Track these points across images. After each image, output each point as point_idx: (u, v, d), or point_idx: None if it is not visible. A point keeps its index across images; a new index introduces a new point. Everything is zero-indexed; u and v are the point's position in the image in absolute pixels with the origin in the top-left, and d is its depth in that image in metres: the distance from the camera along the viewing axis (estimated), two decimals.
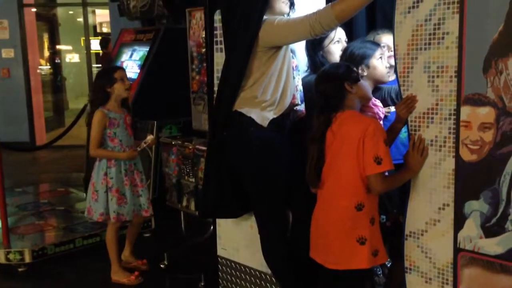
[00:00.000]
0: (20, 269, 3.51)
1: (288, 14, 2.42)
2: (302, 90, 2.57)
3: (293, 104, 2.49)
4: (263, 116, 2.34)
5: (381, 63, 2.42)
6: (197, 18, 4.03)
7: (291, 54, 2.45)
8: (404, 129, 2.22)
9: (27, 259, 3.51)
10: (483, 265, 1.91)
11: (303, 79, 2.61)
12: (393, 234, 2.29)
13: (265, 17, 2.31)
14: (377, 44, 2.47)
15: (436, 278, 2.06)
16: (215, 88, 2.79)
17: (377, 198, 2.11)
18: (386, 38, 2.63)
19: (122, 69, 3.30)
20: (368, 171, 2.00)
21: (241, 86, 2.36)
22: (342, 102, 2.09)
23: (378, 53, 2.42)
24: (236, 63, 2.35)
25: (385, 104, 2.52)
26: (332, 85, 2.10)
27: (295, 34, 2.27)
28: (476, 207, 1.90)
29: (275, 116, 2.36)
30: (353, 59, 2.38)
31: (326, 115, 2.10)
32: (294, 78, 2.49)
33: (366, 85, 2.23)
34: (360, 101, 2.16)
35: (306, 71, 2.67)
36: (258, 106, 2.34)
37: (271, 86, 2.34)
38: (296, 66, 2.56)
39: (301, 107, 2.56)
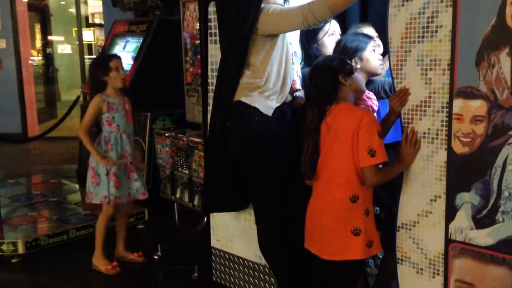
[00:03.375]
0: (13, 260, 3.51)
1: (283, 4, 2.42)
2: (301, 76, 2.57)
3: (293, 90, 2.49)
4: (267, 105, 2.35)
5: (374, 55, 2.43)
6: (191, 9, 4.02)
7: (289, 41, 2.45)
8: None
9: (21, 250, 3.51)
10: (474, 256, 1.94)
11: None
12: (387, 226, 2.31)
13: (262, 5, 2.31)
14: (370, 37, 2.48)
15: (427, 269, 2.09)
16: (210, 80, 2.80)
17: (372, 190, 2.13)
18: (367, 32, 2.63)
19: (117, 58, 3.24)
20: (361, 163, 2.01)
21: (241, 75, 2.36)
22: (336, 95, 2.10)
23: (371, 45, 2.43)
24: (235, 52, 2.34)
25: (378, 97, 2.53)
26: (326, 77, 2.11)
27: (288, 23, 2.27)
28: (468, 198, 1.93)
29: (278, 105, 2.37)
30: (347, 52, 2.39)
31: (320, 107, 2.11)
32: (293, 63, 2.49)
33: (360, 78, 2.24)
34: (354, 94, 2.18)
35: (300, 63, 2.67)
36: (261, 95, 2.35)
37: (273, 75, 2.35)
38: (295, 52, 2.56)
39: (302, 93, 2.56)
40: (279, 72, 2.36)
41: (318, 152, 2.12)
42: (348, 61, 2.21)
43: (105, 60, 3.22)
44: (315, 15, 2.15)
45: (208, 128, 2.60)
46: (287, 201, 2.47)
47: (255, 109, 2.33)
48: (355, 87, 2.15)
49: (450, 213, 1.99)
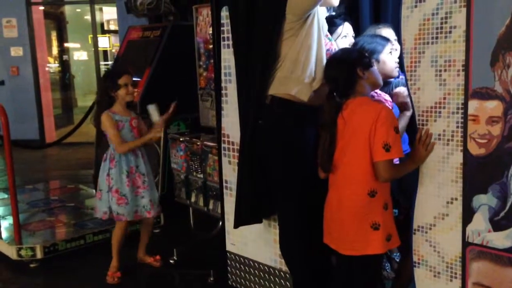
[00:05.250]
0: (31, 265, 3.56)
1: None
2: None
3: None
4: (303, 91, 2.28)
5: (390, 57, 2.41)
6: (204, 14, 4.03)
7: (321, 24, 2.39)
8: None
9: (39, 255, 3.56)
10: (491, 258, 1.92)
11: None
12: (406, 228, 2.29)
13: None
14: (387, 39, 2.46)
15: (444, 272, 2.06)
16: (223, 84, 2.81)
17: (389, 184, 2.12)
18: (386, 33, 2.61)
19: (127, 74, 3.23)
20: (376, 157, 2.00)
21: (274, 70, 2.33)
22: (353, 88, 2.09)
23: (388, 48, 2.41)
24: (263, 44, 2.33)
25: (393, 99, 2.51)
26: (343, 70, 2.10)
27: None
28: (485, 201, 1.90)
29: (314, 89, 2.29)
30: None
31: (337, 100, 2.10)
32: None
33: (377, 72, 2.21)
34: (371, 88, 2.16)
35: None
36: (298, 81, 2.29)
37: (307, 62, 2.30)
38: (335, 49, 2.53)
39: None
40: (311, 58, 2.30)
41: (335, 145, 2.11)
42: (366, 54, 2.18)
43: (114, 76, 3.21)
44: None
45: (240, 132, 2.57)
46: (310, 201, 2.43)
47: (289, 107, 2.29)
48: (372, 80, 2.13)
49: (467, 215, 1.96)
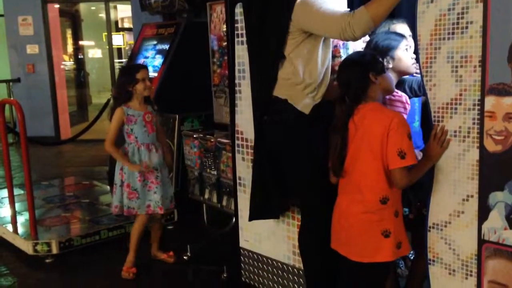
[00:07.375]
0: (47, 260, 3.60)
1: None
2: None
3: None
4: (304, 103, 2.30)
5: (406, 54, 2.38)
6: (218, 11, 4.05)
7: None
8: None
9: (54, 250, 3.59)
10: (508, 256, 1.90)
11: None
12: (416, 227, 2.28)
13: None
14: (402, 35, 2.43)
15: (459, 270, 2.05)
16: (237, 81, 2.81)
17: (401, 191, 2.10)
18: (401, 28, 2.58)
19: (145, 69, 3.27)
20: (391, 165, 1.98)
21: (278, 69, 2.33)
22: (365, 93, 2.07)
23: (403, 44, 2.38)
24: (269, 45, 2.33)
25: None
26: (356, 73, 2.07)
27: (326, 30, 2.20)
28: (501, 198, 1.88)
29: (316, 103, 2.32)
30: (378, 51, 2.33)
31: (348, 105, 2.09)
32: (342, 57, 2.46)
33: (391, 77, 2.19)
34: (383, 93, 2.15)
35: None
36: (300, 92, 2.30)
37: (312, 72, 2.29)
38: (343, 44, 2.52)
39: None
40: (319, 70, 2.30)
41: (346, 149, 2.10)
42: (380, 59, 2.16)
43: (132, 70, 3.24)
44: (355, 29, 2.06)
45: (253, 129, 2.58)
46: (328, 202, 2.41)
47: (291, 108, 2.30)
48: (385, 86, 2.11)
49: (483, 213, 1.94)
